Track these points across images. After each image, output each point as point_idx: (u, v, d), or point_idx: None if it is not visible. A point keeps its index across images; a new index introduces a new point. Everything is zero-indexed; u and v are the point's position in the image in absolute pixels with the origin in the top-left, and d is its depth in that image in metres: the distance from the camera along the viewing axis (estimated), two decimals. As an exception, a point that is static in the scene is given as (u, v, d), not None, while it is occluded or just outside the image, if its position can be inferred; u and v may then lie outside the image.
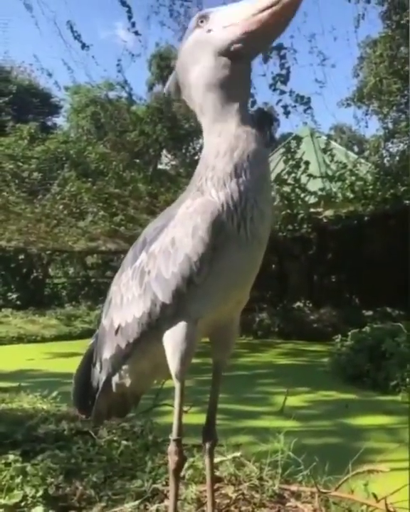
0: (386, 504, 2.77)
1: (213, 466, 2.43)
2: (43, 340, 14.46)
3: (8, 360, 10.92)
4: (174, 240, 2.04)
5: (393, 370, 8.45)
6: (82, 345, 11.81)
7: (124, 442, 3.55)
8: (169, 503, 2.19)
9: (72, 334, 14.98)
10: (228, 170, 1.97)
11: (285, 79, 10.36)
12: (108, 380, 2.40)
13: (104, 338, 2.36)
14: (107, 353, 2.33)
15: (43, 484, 2.78)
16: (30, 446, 3.42)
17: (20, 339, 14.11)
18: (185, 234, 2.00)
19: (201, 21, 2.03)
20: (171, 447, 2.13)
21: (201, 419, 3.96)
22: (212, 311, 2.08)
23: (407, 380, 8.47)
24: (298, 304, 15.25)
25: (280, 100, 11.03)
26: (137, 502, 2.73)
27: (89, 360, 2.49)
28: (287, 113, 11.25)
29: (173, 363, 2.08)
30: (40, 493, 2.65)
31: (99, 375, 2.41)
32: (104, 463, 3.25)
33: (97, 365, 2.42)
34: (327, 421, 6.29)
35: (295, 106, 11.30)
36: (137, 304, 2.15)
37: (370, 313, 13.09)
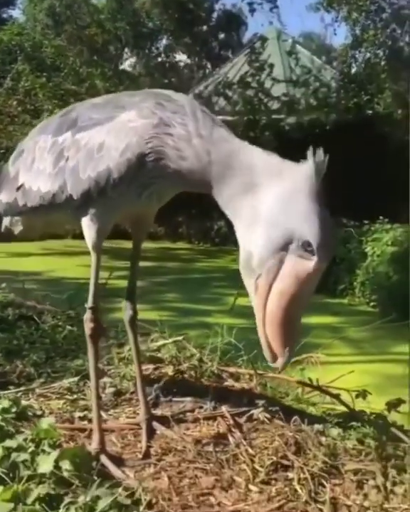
0: (319, 385, 2.87)
1: (137, 340, 2.51)
2: (-2, 240, 14.27)
3: (-40, 258, 10.79)
4: (102, 146, 2.01)
5: (343, 275, 8.71)
6: (37, 247, 11.85)
7: (68, 327, 3.57)
8: (90, 367, 2.23)
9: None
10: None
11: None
12: None
13: (5, 182, 2.39)
14: (4, 197, 2.38)
15: (-19, 361, 2.81)
16: (-29, 328, 3.41)
17: (-27, 239, 13.88)
18: (115, 147, 1.97)
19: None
20: (87, 315, 2.17)
21: (151, 315, 4.02)
22: (118, 216, 2.18)
23: (354, 284, 8.77)
24: (256, 211, 15.27)
25: (246, -4, 10.54)
26: (76, 378, 2.77)
27: None
28: (252, 10, 10.80)
29: (89, 234, 2.12)
30: (-22, 368, 2.67)
31: None
32: (46, 345, 3.27)
33: None
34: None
35: (261, 3, 10.84)
36: (45, 180, 2.17)
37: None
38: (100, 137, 2.03)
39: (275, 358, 1.81)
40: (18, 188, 2.28)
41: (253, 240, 1.76)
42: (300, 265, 1.72)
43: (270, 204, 1.74)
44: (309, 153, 1.70)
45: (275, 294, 1.75)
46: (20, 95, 13.39)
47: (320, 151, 1.70)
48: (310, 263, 1.71)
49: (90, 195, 2.05)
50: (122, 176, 1.98)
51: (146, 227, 2.49)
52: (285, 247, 1.72)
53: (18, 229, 2.50)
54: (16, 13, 29.38)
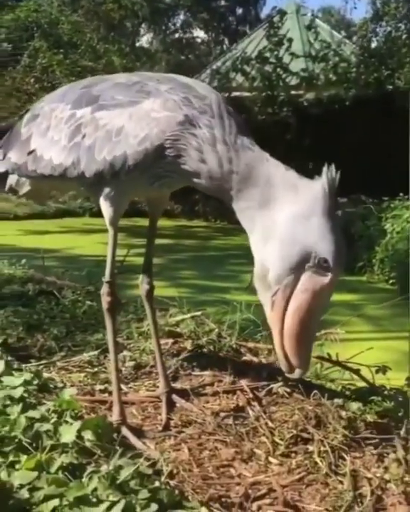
0: (338, 359, 2.86)
1: (155, 314, 2.53)
2: (16, 218, 14.37)
3: (-21, 236, 10.87)
4: (121, 130, 1.99)
5: (361, 252, 8.65)
6: (55, 224, 11.90)
7: (88, 302, 3.59)
8: (108, 341, 2.25)
9: (46, 213, 14.89)
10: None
11: None
12: (2, 175, 2.47)
13: (16, 141, 2.37)
14: (13, 156, 2.36)
15: (2, 335, 2.83)
16: (-8, 303, 3.44)
17: (-8, 216, 13.99)
18: (134, 135, 1.96)
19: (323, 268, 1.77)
20: (104, 289, 2.18)
21: (169, 292, 4.03)
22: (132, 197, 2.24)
23: (373, 261, 8.71)
24: (274, 189, 15.18)
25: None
26: (96, 352, 2.79)
27: None
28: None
29: (106, 212, 2.13)
30: (-1, 342, 2.70)
31: None
32: (66, 319, 3.30)
33: (0, 153, 2.45)
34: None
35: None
36: (58, 151, 2.16)
37: (344, 200, 13.17)
38: (120, 121, 2.01)
39: (291, 369, 1.87)
40: (30, 153, 2.27)
41: (269, 256, 1.80)
42: (316, 281, 1.77)
43: (287, 221, 1.78)
44: (324, 169, 1.74)
45: (292, 309, 1.80)
46: (37, 72, 13.35)
47: (333, 168, 1.75)
48: (326, 279, 1.77)
49: (102, 176, 2.05)
50: (137, 163, 1.98)
51: (163, 204, 2.52)
52: (302, 264, 1.77)
53: (24, 190, 2.50)
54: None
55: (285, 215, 1.78)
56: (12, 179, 2.48)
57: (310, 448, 2.08)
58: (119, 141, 2.00)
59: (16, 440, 1.72)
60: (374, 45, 15.52)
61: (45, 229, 12.89)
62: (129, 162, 1.99)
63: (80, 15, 17.24)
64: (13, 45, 15.26)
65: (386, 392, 2.58)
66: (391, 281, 8.76)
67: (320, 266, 1.76)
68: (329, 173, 1.75)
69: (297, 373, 1.88)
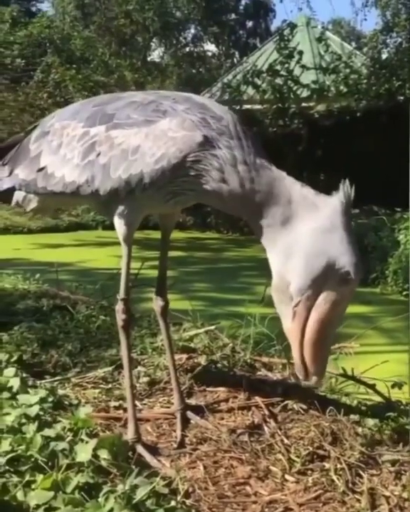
0: (353, 374, 2.84)
1: (169, 330, 2.53)
2: (30, 231, 14.47)
3: (-7, 250, 10.94)
4: (137, 149, 2.01)
5: (374, 264, 8.60)
6: (68, 237, 11.93)
7: (102, 317, 3.60)
8: (123, 358, 2.25)
9: (59, 227, 15.00)
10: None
11: None
12: (9, 190, 2.44)
13: (25, 157, 2.35)
14: (21, 173, 2.35)
15: (17, 351, 2.83)
16: (7, 319, 3.45)
17: (6, 230, 14.09)
18: (151, 154, 1.98)
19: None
20: (119, 306, 2.18)
21: (182, 304, 4.03)
22: (145, 213, 2.24)
23: (386, 272, 8.66)
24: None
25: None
26: (110, 368, 2.79)
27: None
28: (281, -4, 10.61)
29: (120, 228, 2.14)
30: (14, 358, 2.69)
31: (2, 176, 2.44)
32: (81, 335, 3.30)
33: (7, 169, 2.44)
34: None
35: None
36: (71, 169, 2.16)
37: (356, 211, 13.13)
38: (136, 140, 2.02)
39: (309, 377, 1.92)
40: (40, 170, 2.26)
41: (291, 269, 1.86)
42: (338, 292, 1.85)
43: (310, 235, 1.85)
44: (341, 185, 1.82)
45: (314, 319, 1.87)
46: (50, 88, 13.49)
47: (348, 183, 1.82)
48: (347, 290, 1.85)
49: (117, 194, 2.07)
50: (153, 182, 2.00)
51: (175, 218, 2.53)
52: (325, 277, 1.83)
53: (31, 206, 2.47)
54: (45, 6, 29.49)
55: (307, 230, 1.86)
56: (19, 195, 2.46)
57: (327, 465, 2.06)
58: (135, 160, 2.01)
59: (32, 459, 1.72)
60: (384, 56, 15.53)
61: (58, 242, 12.96)
62: (146, 180, 2.00)
63: (92, 30, 17.46)
64: (26, 61, 15.44)
65: (402, 407, 2.56)
66: (405, 293, 8.70)
67: (342, 278, 1.82)
68: (345, 188, 1.82)
69: (313, 381, 1.93)
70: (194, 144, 1.95)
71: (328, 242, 1.83)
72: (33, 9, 28.26)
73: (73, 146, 2.17)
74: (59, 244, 12.78)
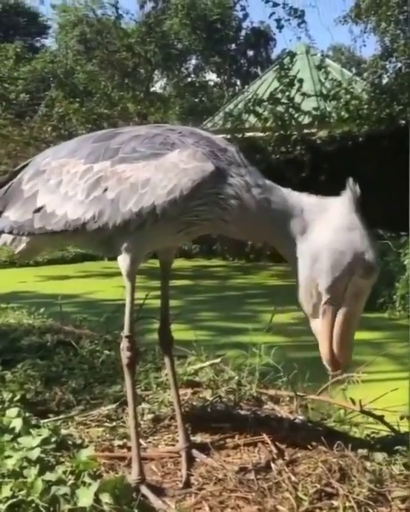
0: (361, 406, 2.79)
1: (174, 367, 2.51)
2: (36, 264, 14.48)
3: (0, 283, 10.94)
4: (148, 182, 2.02)
5: (381, 288, 8.53)
6: (75, 269, 11.90)
7: (106, 352, 3.57)
8: (127, 396, 2.21)
9: (65, 258, 15.02)
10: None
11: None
12: None
13: (17, 199, 2.29)
14: (13, 215, 2.28)
15: (21, 389, 2.81)
16: (11, 356, 3.43)
17: (12, 263, 14.10)
18: (162, 186, 2.00)
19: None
20: (124, 344, 2.16)
21: (188, 335, 4.00)
22: (152, 247, 2.28)
23: (394, 297, 8.59)
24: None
25: (273, 13, 10.62)
26: (114, 405, 2.76)
27: None
28: (280, 27, 10.83)
29: (124, 264, 2.13)
30: (17, 397, 2.67)
31: None
32: (85, 371, 3.28)
33: None
34: (313, 336, 6.37)
35: (288, 19, 10.87)
36: (74, 206, 2.13)
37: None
38: (145, 173, 2.03)
39: (337, 367, 2.05)
40: (37, 210, 2.21)
41: (319, 270, 1.97)
42: (363, 285, 1.99)
43: (333, 235, 1.97)
44: (348, 183, 1.94)
45: (343, 312, 2.00)
46: (54, 121, 13.66)
47: (353, 182, 1.95)
48: (370, 281, 1.99)
49: (127, 228, 2.05)
50: (165, 213, 2.01)
51: (173, 250, 2.52)
52: (351, 271, 1.96)
53: (19, 248, 2.40)
54: (49, 41, 29.99)
55: (328, 232, 1.98)
56: (6, 238, 2.40)
57: (335, 503, 2.01)
58: (146, 193, 2.02)
59: (33, 505, 1.69)
60: (384, 81, 15.68)
61: (64, 274, 12.97)
62: (158, 211, 2.01)
63: (95, 64, 17.74)
64: (30, 96, 15.69)
65: (412, 440, 2.51)
66: (413, 318, 8.63)
67: (366, 271, 1.95)
68: (351, 186, 1.94)
69: (342, 369, 2.11)
70: (207, 174, 1.99)
71: (351, 238, 1.95)
72: (37, 45, 28.86)
73: (75, 183, 2.15)
74: (65, 276, 12.79)
